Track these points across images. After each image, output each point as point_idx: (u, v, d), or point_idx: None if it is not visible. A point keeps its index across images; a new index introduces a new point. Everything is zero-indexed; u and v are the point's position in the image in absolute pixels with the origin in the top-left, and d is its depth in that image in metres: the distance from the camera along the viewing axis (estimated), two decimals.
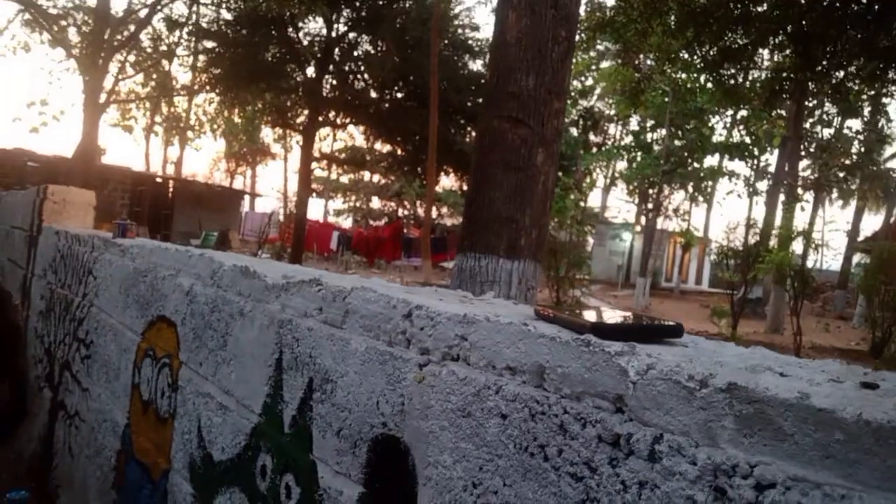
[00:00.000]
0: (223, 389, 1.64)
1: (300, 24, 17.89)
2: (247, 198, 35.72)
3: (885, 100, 25.09)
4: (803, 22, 9.26)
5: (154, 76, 28.61)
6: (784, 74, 11.33)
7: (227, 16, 20.01)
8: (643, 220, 31.66)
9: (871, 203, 34.84)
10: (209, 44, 20.83)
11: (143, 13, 23.46)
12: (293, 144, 39.41)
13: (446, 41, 17.24)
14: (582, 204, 34.99)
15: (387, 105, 18.03)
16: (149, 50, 27.58)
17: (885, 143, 29.45)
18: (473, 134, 20.43)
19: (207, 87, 23.74)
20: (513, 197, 2.86)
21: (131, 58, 25.90)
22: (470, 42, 18.27)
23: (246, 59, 17.71)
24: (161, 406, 2.00)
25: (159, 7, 23.41)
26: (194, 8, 23.41)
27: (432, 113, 12.79)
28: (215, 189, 33.52)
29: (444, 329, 1.02)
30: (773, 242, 19.27)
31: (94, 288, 2.88)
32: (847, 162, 27.73)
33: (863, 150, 28.55)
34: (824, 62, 10.03)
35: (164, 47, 27.90)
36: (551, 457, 0.81)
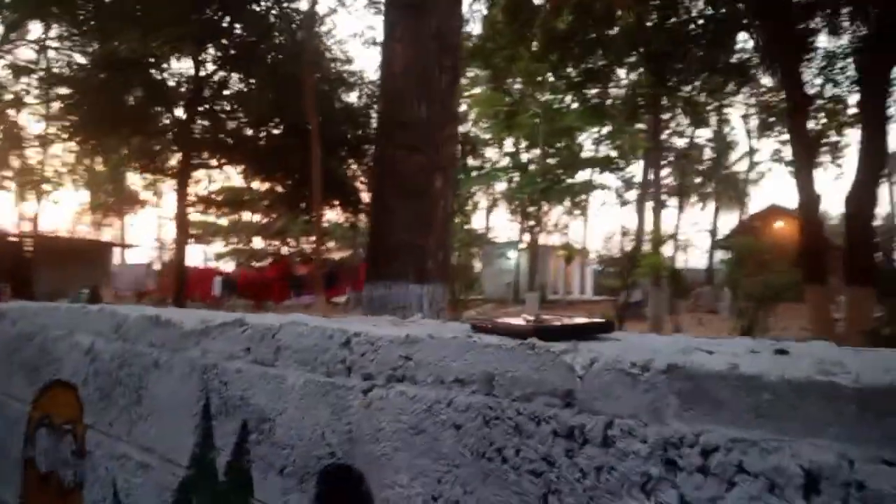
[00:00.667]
0: (142, 447, 1.55)
1: (164, 65, 17.21)
2: (117, 250, 33.56)
3: (726, 110, 27.78)
4: (653, 43, 10.13)
5: (1, 128, 26.41)
6: (641, 91, 12.29)
7: (80, 59, 18.90)
8: (527, 237, 32.84)
9: (725, 203, 38.22)
10: (63, 90, 19.56)
11: None
12: (164, 190, 37.61)
13: (320, 75, 17.21)
14: (467, 227, 35.83)
15: (263, 142, 17.66)
16: None
17: (731, 148, 32.60)
18: (355, 166, 20.44)
19: (65, 136, 22.24)
20: (415, 223, 2.91)
21: None
22: (344, 75, 18.35)
23: (107, 103, 16.78)
24: (64, 477, 1.85)
25: (1, 54, 21.76)
26: (42, 54, 21.95)
27: (314, 149, 12.68)
28: (81, 243, 31.24)
29: (386, 352, 1.04)
30: (646, 247, 20.64)
31: None
32: (701, 168, 30.27)
33: (714, 156, 31.38)
34: (674, 78, 11.00)
35: (9, 96, 25.88)
36: (509, 458, 0.85)
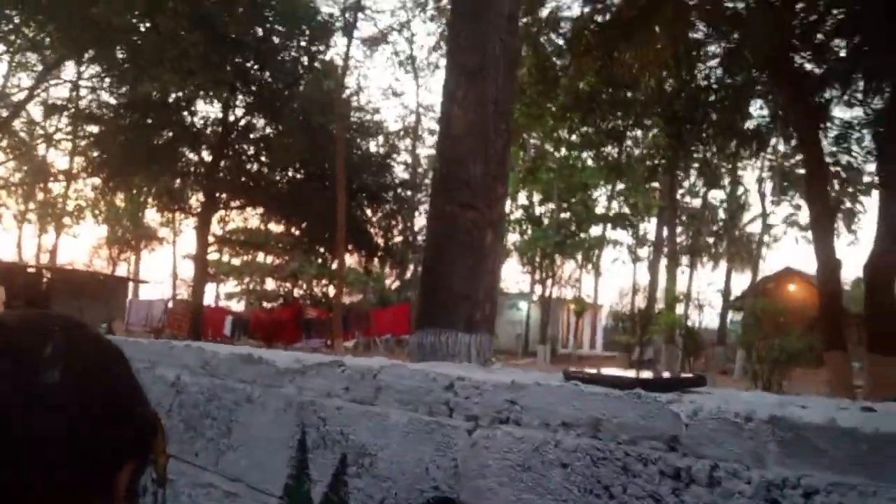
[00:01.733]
0: (230, 477, 1.66)
1: (193, 108, 17.79)
2: (131, 285, 33.86)
3: (741, 172, 28.12)
4: (672, 106, 10.45)
5: (28, 162, 27.14)
6: (660, 152, 12.58)
7: (110, 100, 19.55)
8: (538, 289, 32.90)
9: (738, 264, 38.22)
10: (93, 128, 20.17)
11: (17, 97, 22.48)
12: (182, 228, 38.16)
13: (345, 124, 17.70)
14: None
15: (285, 186, 18.06)
16: (23, 135, 26.30)
17: (744, 210, 32.85)
18: (374, 212, 20.76)
19: (91, 172, 22.81)
20: (467, 275, 3.06)
21: (3, 143, 24.56)
22: (368, 124, 18.86)
23: (135, 143, 17.28)
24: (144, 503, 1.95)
25: (36, 93, 22.56)
26: (75, 93, 22.74)
27: (339, 195, 12.98)
28: (96, 277, 31.57)
29: (491, 396, 1.16)
30: (660, 305, 20.64)
31: None
32: (715, 228, 30.42)
33: (727, 216, 31.58)
34: (692, 141, 11.28)
35: (39, 131, 26.69)
36: (617, 495, 0.96)
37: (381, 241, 20.20)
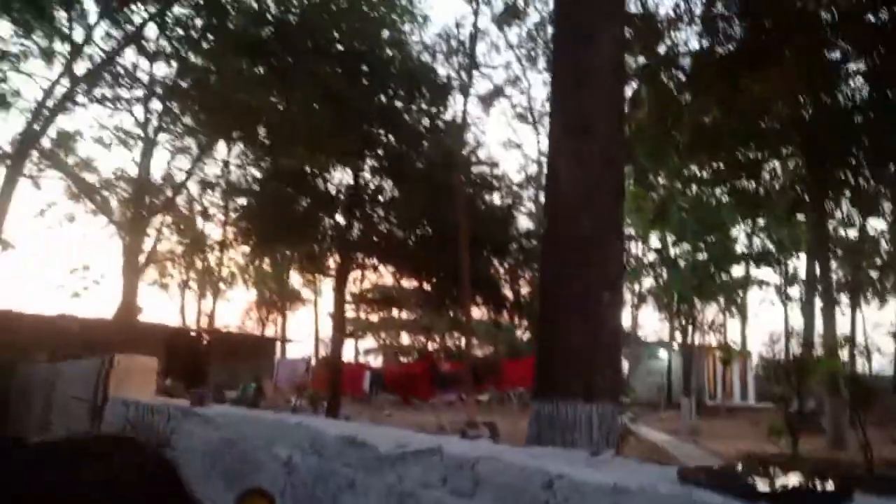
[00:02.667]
0: None
1: (325, 175, 18.94)
2: (278, 344, 36.01)
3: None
4: (812, 132, 9.64)
5: (188, 234, 30.11)
6: (803, 183, 11.61)
7: (255, 173, 21.34)
8: (678, 336, 31.10)
9: None
10: (241, 200, 22.03)
11: (178, 177, 25.16)
12: (321, 288, 40.36)
13: (466, 179, 18.04)
14: None
15: (413, 243, 18.59)
16: (184, 210, 29.28)
17: None
18: (496, 264, 20.80)
19: (240, 241, 24.84)
20: (585, 339, 2.91)
21: (168, 219, 27.47)
22: (488, 178, 19.12)
23: (277, 211, 18.62)
24: None
25: (193, 171, 25.12)
26: (225, 169, 25.11)
27: (463, 250, 13.12)
28: (248, 338, 33.94)
29: (592, 500, 1.04)
30: (818, 350, 18.69)
31: (174, 459, 2.90)
32: (878, 261, 27.50)
33: (892, 247, 28.45)
34: (839, 168, 10.33)
35: (197, 207, 29.61)
36: None
37: (507, 292, 20.10)
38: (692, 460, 12.24)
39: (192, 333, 29.37)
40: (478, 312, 27.70)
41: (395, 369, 31.38)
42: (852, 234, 28.60)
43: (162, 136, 23.10)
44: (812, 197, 12.34)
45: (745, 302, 32.85)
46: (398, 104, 18.07)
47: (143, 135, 22.47)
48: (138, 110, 22.12)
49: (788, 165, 14.47)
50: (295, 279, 40.18)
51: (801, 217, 24.08)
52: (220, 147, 24.73)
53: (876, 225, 29.60)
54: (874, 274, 30.98)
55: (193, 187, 27.09)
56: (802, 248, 23.32)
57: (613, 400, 2.97)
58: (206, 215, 28.66)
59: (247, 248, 26.49)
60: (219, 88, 18.03)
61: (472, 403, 15.17)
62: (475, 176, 18.99)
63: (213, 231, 32.87)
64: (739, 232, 28.45)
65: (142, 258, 23.06)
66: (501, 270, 19.98)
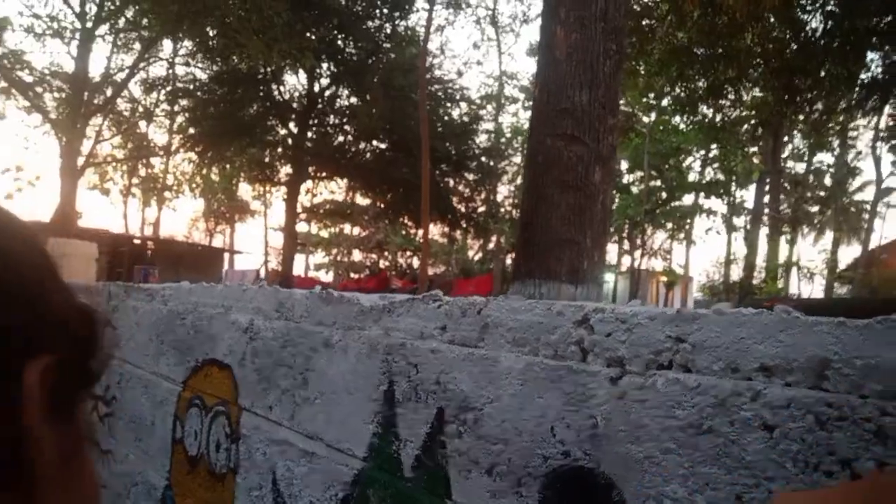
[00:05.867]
0: (307, 434, 1.43)
1: (280, 80, 18.00)
2: (226, 255, 35.29)
3: (851, 133, 25.91)
4: (785, 55, 9.50)
5: (131, 138, 28.53)
6: (766, 109, 11.56)
7: (202, 76, 20.09)
8: (626, 260, 31.83)
9: (845, 234, 35.48)
10: (187, 103, 20.87)
11: (119, 76, 23.56)
12: (272, 200, 39.38)
13: (430, 89, 17.45)
14: None
15: (370, 156, 18.07)
16: (125, 113, 27.64)
17: (854, 175, 30.27)
18: (456, 181, 20.49)
19: (187, 147, 23.72)
20: (572, 218, 2.72)
21: (108, 121, 25.90)
22: (450, 90, 18.52)
23: (227, 116, 17.71)
24: (216, 461, 1.76)
25: (136, 70, 23.55)
26: (171, 70, 23.60)
27: (424, 162, 12.76)
28: (195, 248, 33.09)
29: (645, 332, 0.84)
30: (758, 276, 19.36)
31: (112, 339, 2.64)
32: (822, 195, 28.34)
33: (834, 183, 29.25)
34: (807, 95, 10.27)
35: (140, 109, 27.96)
36: (864, 471, 0.63)
37: (463, 210, 19.98)
38: None
39: (136, 241, 28.41)
40: (432, 230, 27.64)
41: (346, 284, 31.31)
42: (800, 168, 29.31)
43: (102, 29, 21.39)
44: (772, 124, 12.35)
45: (691, 229, 33.64)
46: (358, 7, 17.09)
47: (80, 27, 20.76)
48: None
49: (749, 93, 14.40)
50: (244, 189, 39.05)
51: (754, 149, 24.44)
52: (166, 45, 23.15)
53: (823, 159, 30.37)
54: (815, 208, 31.99)
55: (136, 88, 25.51)
56: (753, 179, 23.75)
57: (597, 282, 2.83)
58: (149, 117, 27.17)
59: (194, 155, 25.39)
60: None
61: None
62: (437, 88, 18.36)
63: (158, 135, 31.27)
64: (694, 161, 28.76)
65: (80, 161, 21.78)
66: (458, 187, 19.74)
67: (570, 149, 2.74)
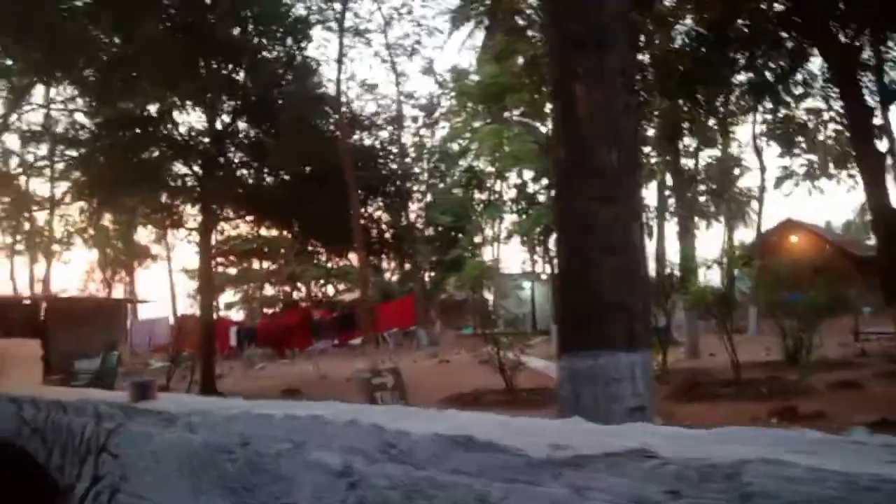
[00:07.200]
0: None
1: (178, 120, 17.13)
2: (129, 306, 33.18)
3: (736, 128, 27.81)
4: (690, 65, 10.02)
5: (10, 193, 26.32)
6: (678, 113, 12.15)
7: (85, 121, 18.76)
8: (545, 267, 32.64)
9: (738, 222, 37.99)
10: (72, 152, 19.46)
11: None
12: (175, 242, 37.44)
13: (336, 120, 17.18)
14: (479, 259, 35.59)
15: (283, 190, 17.51)
16: (1, 168, 25.55)
17: (740, 166, 32.58)
18: (374, 208, 20.25)
19: (75, 197, 22.13)
20: (618, 281, 2.63)
21: None
22: (362, 118, 18.32)
23: (121, 162, 16.63)
24: None
25: (11, 121, 21.77)
26: (48, 117, 21.98)
27: (352, 193, 12.44)
28: (94, 302, 30.89)
29: None
30: (669, 271, 20.31)
31: (115, 471, 2.30)
32: (713, 188, 30.21)
33: (721, 174, 31.28)
34: (713, 100, 10.92)
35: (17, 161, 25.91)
36: None
37: (386, 235, 19.77)
38: None
39: (27, 302, 26.16)
40: (351, 257, 27.16)
41: (268, 322, 30.19)
42: (690, 163, 31.10)
43: None
44: (679, 129, 13.02)
45: None
46: (255, 39, 16.57)
47: None
48: None
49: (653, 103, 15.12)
50: (142, 234, 36.93)
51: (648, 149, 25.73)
52: (41, 91, 21.55)
53: (707, 153, 32.41)
54: (704, 198, 34.09)
55: (12, 139, 23.61)
56: (655, 178, 24.96)
57: (649, 346, 2.76)
58: (30, 170, 25.18)
59: (85, 205, 23.72)
60: (35, 18, 15.39)
61: (373, 350, 14.87)
62: (347, 115, 18.11)
63: (41, 187, 28.97)
64: None
65: None
66: (376, 213, 19.53)
67: (606, 211, 2.66)
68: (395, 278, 37.47)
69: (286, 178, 17.25)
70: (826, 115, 15.13)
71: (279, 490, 1.65)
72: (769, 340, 17.12)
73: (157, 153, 17.25)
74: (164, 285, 42.72)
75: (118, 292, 38.69)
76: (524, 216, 30.95)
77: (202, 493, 1.91)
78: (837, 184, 26.24)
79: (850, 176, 24.47)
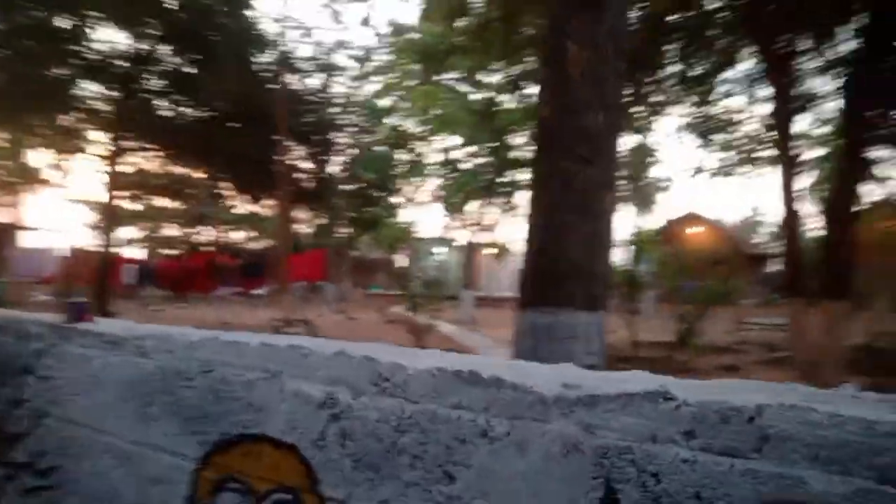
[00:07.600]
0: None
1: (93, 38, 15.81)
2: (16, 233, 30.76)
3: (652, 119, 28.81)
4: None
5: None
6: None
7: None
8: (459, 234, 32.91)
9: (643, 210, 39.52)
10: None
11: None
12: (70, 169, 34.80)
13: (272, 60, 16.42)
14: (394, 222, 35.45)
15: (203, 127, 16.61)
16: None
17: (651, 156, 33.81)
18: (297, 156, 19.60)
19: None
20: (586, 244, 2.66)
21: None
22: (291, 60, 17.54)
23: (22, 76, 15.21)
24: None
25: None
26: None
27: (282, 137, 11.93)
28: None
29: None
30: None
31: (44, 393, 2.14)
32: (630, 173, 31.22)
33: (636, 162, 32.43)
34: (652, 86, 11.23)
35: None
36: None
37: (308, 185, 19.27)
38: (482, 348, 13.13)
39: None
40: (254, 205, 26.31)
41: (168, 263, 28.95)
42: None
43: None
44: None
45: (518, 204, 35.59)
46: None
47: None
48: None
49: None
50: (36, 158, 34.07)
51: None
52: None
53: (627, 141, 33.45)
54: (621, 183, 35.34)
55: None
56: None
57: (605, 308, 2.82)
58: None
59: None
60: None
61: (287, 300, 14.53)
62: (281, 56, 17.33)
63: None
64: (522, 138, 30.23)
65: None
66: (301, 162, 18.95)
67: (585, 173, 2.68)
68: (309, 230, 36.73)
69: (208, 113, 16.37)
70: (745, 115, 15.91)
71: (249, 419, 1.59)
72: (663, 323, 18.12)
73: (66, 70, 15.89)
74: (59, 215, 39.87)
75: (3, 217, 35.77)
76: (449, 181, 31.00)
77: (153, 419, 1.80)
78: (743, 183, 27.77)
79: (759, 175, 25.95)
